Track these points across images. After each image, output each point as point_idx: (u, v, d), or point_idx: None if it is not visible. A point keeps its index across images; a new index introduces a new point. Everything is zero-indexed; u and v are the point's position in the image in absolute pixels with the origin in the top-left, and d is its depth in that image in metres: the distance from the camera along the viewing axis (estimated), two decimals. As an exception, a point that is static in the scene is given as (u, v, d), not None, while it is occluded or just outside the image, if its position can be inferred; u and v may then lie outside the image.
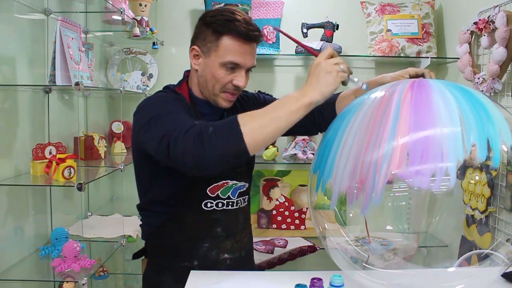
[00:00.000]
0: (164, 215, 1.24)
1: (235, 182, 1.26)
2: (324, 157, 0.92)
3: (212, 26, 1.15)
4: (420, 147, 0.79)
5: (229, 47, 1.14)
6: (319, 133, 1.45)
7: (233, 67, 1.16)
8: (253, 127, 0.95)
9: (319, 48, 2.25)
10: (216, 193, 1.23)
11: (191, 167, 0.99)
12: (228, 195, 1.25)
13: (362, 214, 0.89)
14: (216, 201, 1.24)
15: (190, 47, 1.22)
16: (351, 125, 0.90)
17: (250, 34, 1.15)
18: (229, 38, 1.14)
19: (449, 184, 0.79)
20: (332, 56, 1.02)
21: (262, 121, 0.96)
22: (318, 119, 1.39)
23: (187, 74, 1.30)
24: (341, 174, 0.87)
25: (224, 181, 1.24)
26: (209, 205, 1.23)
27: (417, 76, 1.18)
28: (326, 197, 0.94)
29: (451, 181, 0.79)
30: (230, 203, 1.26)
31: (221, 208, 1.25)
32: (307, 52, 2.27)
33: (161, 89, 1.30)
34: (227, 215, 1.26)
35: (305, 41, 2.28)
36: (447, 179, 0.78)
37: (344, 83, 1.02)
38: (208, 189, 1.22)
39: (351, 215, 0.99)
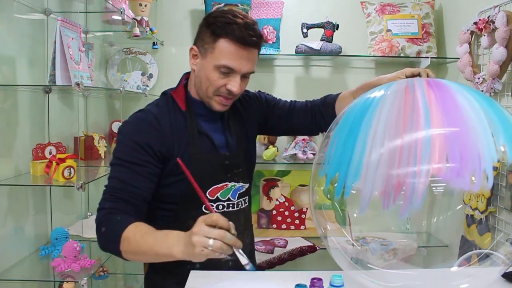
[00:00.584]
0: (164, 219, 1.23)
1: (234, 183, 1.26)
2: (345, 157, 0.86)
3: (211, 27, 1.14)
4: (458, 149, 0.78)
5: (224, 50, 1.12)
6: (320, 133, 1.45)
7: (227, 71, 1.14)
8: (128, 250, 1.04)
9: (319, 48, 2.25)
10: (216, 196, 1.23)
11: None
12: (228, 197, 1.25)
13: (401, 218, 0.86)
14: (217, 204, 1.23)
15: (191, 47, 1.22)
16: (375, 125, 0.85)
17: (248, 39, 1.12)
18: (226, 41, 1.12)
19: (488, 185, 0.78)
20: (215, 225, 0.92)
21: (136, 249, 1.03)
22: (319, 120, 1.39)
23: (186, 76, 1.30)
24: (373, 177, 0.82)
25: (223, 183, 1.23)
26: None
27: (413, 75, 1.18)
28: (335, 201, 0.92)
29: (489, 182, 0.77)
30: (231, 205, 1.26)
31: (222, 210, 1.24)
32: (311, 52, 2.27)
33: (161, 89, 1.31)
34: (228, 217, 1.25)
35: (305, 41, 2.28)
36: (485, 180, 0.77)
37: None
38: (208, 192, 1.21)
39: (355, 215, 0.98)
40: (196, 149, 1.20)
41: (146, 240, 1.02)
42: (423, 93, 0.86)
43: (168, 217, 1.23)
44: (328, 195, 0.93)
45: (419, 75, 1.16)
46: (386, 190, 0.82)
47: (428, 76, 1.15)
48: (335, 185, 0.88)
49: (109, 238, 1.07)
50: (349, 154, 0.86)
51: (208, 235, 0.91)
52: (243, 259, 0.94)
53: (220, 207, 1.24)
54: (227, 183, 1.24)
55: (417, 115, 0.82)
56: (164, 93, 1.28)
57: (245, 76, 1.19)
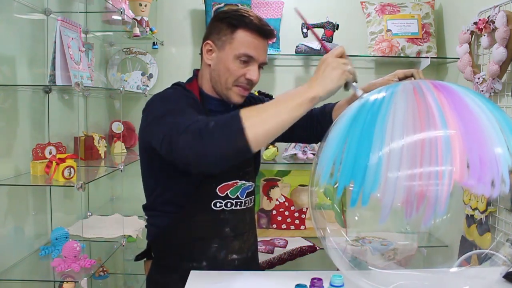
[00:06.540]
0: (172, 215, 1.23)
1: (244, 182, 1.27)
2: (360, 165, 0.80)
3: (227, 20, 1.18)
4: (477, 154, 0.76)
5: (243, 40, 1.17)
6: (318, 142, 1.45)
7: (247, 60, 1.18)
8: (255, 122, 0.92)
9: (318, 48, 2.25)
10: (226, 193, 1.23)
11: (192, 163, 0.97)
12: (237, 195, 1.26)
13: (424, 227, 0.84)
14: (225, 201, 1.24)
15: (203, 44, 1.24)
16: (390, 131, 0.80)
17: (264, 29, 1.18)
18: (244, 31, 1.17)
19: (505, 189, 0.77)
20: (341, 56, 1.01)
21: (264, 115, 0.94)
22: (316, 128, 1.39)
23: (197, 72, 1.31)
24: (393, 185, 0.78)
25: (234, 181, 1.24)
26: (218, 205, 1.23)
27: (405, 77, 1.18)
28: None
29: (506, 186, 0.76)
30: (239, 203, 1.27)
31: (230, 208, 1.25)
32: (311, 52, 2.27)
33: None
34: (235, 215, 1.27)
35: (305, 41, 2.29)
36: (503, 184, 0.77)
37: (347, 85, 1.00)
38: (218, 188, 1.22)
39: (356, 218, 0.97)
40: None
41: (274, 102, 0.96)
42: (434, 96, 0.83)
43: (177, 213, 1.23)
44: (335, 204, 0.92)
45: (412, 76, 1.16)
46: (409, 199, 0.80)
47: (420, 78, 1.15)
48: (350, 194, 0.82)
49: (225, 123, 0.94)
50: (365, 161, 0.80)
51: (343, 61, 0.98)
52: (359, 92, 1.01)
53: (229, 204, 1.25)
54: (237, 181, 1.25)
55: (433, 119, 0.79)
56: (177, 84, 1.28)
57: (260, 67, 1.22)
